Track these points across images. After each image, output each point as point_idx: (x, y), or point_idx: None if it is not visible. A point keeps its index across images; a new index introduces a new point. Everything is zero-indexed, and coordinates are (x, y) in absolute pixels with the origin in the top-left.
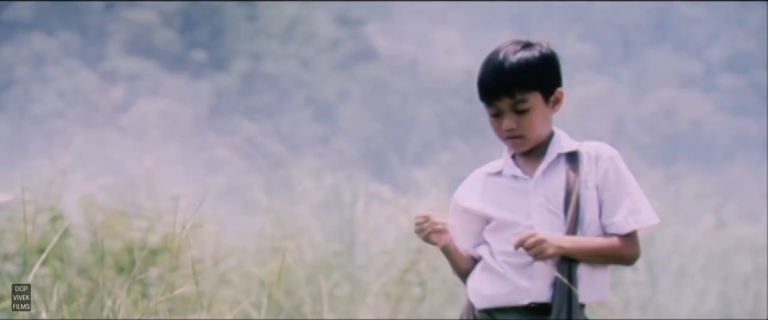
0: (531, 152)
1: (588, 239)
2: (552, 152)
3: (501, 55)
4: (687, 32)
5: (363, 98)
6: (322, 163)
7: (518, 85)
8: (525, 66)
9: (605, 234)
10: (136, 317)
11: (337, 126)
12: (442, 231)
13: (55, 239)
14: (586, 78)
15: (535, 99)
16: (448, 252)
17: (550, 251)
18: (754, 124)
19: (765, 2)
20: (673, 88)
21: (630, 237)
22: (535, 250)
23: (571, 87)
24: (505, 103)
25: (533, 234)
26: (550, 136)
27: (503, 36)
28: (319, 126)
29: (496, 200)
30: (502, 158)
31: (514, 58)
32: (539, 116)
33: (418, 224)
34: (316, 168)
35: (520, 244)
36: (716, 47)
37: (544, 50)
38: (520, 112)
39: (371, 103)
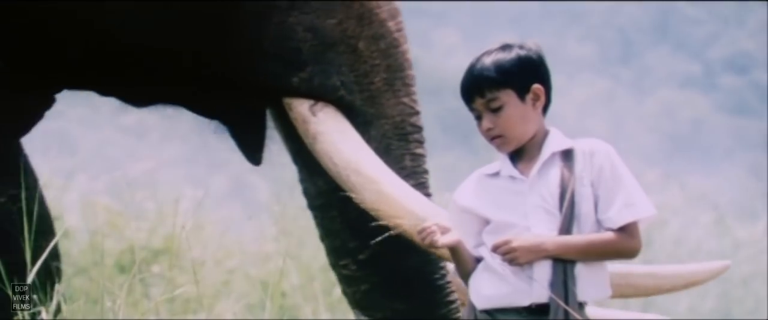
0: (527, 153)
1: (580, 237)
2: (546, 151)
3: (476, 59)
4: (687, 32)
5: None
6: None
7: (487, 83)
8: (494, 65)
9: (601, 229)
10: (137, 317)
11: None
12: (447, 229)
13: (55, 239)
14: (586, 78)
15: (507, 96)
16: (456, 252)
17: (522, 259)
18: (754, 124)
19: (765, 2)
20: (673, 88)
21: (627, 231)
22: (507, 258)
23: (571, 87)
24: (479, 104)
25: (507, 241)
26: (545, 135)
27: (503, 36)
28: None
29: (493, 201)
30: (500, 159)
31: (486, 60)
32: (516, 114)
33: (421, 234)
34: None
35: (494, 249)
36: (716, 47)
37: (521, 51)
38: (495, 111)
39: None
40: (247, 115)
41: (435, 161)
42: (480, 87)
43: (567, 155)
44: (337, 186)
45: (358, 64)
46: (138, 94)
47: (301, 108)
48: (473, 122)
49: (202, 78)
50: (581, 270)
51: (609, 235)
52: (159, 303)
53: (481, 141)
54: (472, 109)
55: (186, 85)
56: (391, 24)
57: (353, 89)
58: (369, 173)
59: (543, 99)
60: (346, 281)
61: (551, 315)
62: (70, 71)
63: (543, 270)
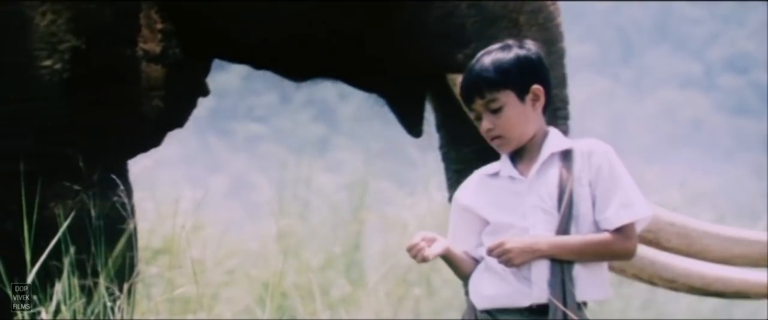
0: (527, 153)
1: (575, 237)
2: (545, 151)
3: (476, 60)
4: (687, 32)
5: (364, 98)
6: (323, 164)
7: (486, 84)
8: (493, 66)
9: (599, 230)
10: (137, 317)
11: (338, 126)
12: (434, 240)
13: (55, 239)
14: (586, 78)
15: (506, 97)
16: (449, 259)
17: (517, 261)
18: (754, 124)
19: (765, 2)
20: (673, 88)
21: (623, 231)
22: (502, 259)
23: (571, 87)
24: (479, 104)
25: (501, 243)
26: (545, 135)
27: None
28: (319, 126)
29: (493, 202)
30: (501, 159)
31: (485, 60)
32: (515, 115)
33: (411, 251)
34: (316, 168)
35: (489, 253)
36: (716, 47)
37: (520, 51)
38: (494, 111)
39: (372, 103)
40: (408, 89)
41: (435, 160)
42: (479, 88)
43: (566, 155)
44: (481, 155)
45: (518, 38)
46: (299, 69)
47: None
48: None
49: (366, 55)
50: (580, 271)
51: (605, 236)
52: (159, 303)
53: None
54: (471, 110)
55: (350, 62)
56: None
57: None
58: None
59: (542, 99)
60: None
61: (550, 316)
62: (234, 45)
63: (542, 271)
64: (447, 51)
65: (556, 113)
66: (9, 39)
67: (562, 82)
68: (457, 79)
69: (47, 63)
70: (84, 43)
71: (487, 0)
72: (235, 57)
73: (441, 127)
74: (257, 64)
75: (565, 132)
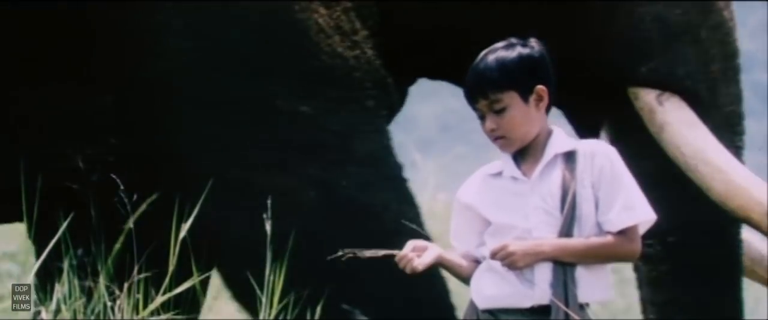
0: (530, 153)
1: (578, 240)
2: (549, 152)
3: (480, 59)
4: None
5: None
6: None
7: (490, 85)
8: (498, 66)
9: (602, 231)
10: (137, 317)
11: None
12: (424, 249)
13: (55, 238)
14: None
15: (510, 98)
16: (444, 266)
17: (521, 263)
18: (754, 124)
19: (765, 2)
20: None
21: (626, 234)
22: (506, 263)
23: None
24: (483, 105)
25: (504, 246)
26: (548, 136)
27: None
28: None
29: (495, 202)
30: (502, 159)
31: (489, 60)
32: (519, 115)
33: (400, 262)
34: None
35: (493, 256)
36: None
37: (524, 50)
38: (498, 112)
39: None
40: (587, 100)
41: (434, 161)
42: (483, 88)
43: (569, 157)
44: (661, 169)
45: (700, 53)
46: None
47: (648, 98)
48: (472, 122)
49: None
50: (582, 272)
51: (608, 239)
52: (159, 303)
53: (482, 140)
54: (475, 109)
55: None
56: (725, 13)
57: (698, 79)
58: (718, 163)
59: (546, 99)
60: (643, 258)
61: (552, 316)
62: (431, 62)
63: (544, 272)
64: (630, 64)
65: (734, 129)
66: (294, 41)
67: (739, 98)
68: (638, 93)
69: (353, 53)
70: (371, 34)
71: (671, 14)
72: (435, 72)
73: (618, 140)
74: (444, 75)
75: (741, 148)
